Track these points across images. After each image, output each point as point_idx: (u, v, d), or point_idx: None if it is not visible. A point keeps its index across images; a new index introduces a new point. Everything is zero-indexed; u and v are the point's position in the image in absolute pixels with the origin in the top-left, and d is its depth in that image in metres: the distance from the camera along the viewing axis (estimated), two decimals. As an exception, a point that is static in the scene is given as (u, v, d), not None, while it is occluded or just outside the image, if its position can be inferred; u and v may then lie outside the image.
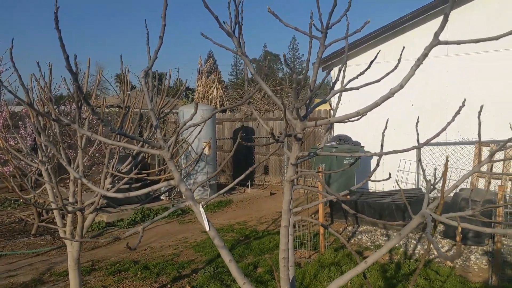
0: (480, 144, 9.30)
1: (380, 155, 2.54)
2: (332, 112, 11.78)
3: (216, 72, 23.65)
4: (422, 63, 1.75)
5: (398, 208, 8.05)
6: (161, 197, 11.90)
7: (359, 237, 8.29)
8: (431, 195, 2.56)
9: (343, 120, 2.18)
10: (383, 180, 2.87)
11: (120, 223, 9.60)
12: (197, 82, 23.00)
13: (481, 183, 9.85)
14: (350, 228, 8.78)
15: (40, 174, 4.70)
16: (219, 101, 20.61)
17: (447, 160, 2.53)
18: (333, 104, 12.68)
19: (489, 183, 9.54)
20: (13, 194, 11.83)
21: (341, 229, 8.71)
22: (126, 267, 6.65)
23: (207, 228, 2.70)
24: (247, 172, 3.09)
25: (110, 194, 2.83)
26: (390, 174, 2.72)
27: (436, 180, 2.85)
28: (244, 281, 2.74)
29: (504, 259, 6.39)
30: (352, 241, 8.07)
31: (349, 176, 10.47)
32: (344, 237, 8.32)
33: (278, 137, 2.09)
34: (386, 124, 2.68)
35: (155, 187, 2.74)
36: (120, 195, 2.74)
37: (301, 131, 2.22)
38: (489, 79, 10.07)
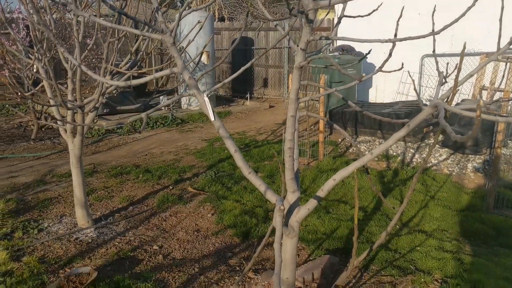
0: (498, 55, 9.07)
1: (393, 41, 2.42)
2: (335, 20, 11.35)
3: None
4: None
5: (399, 118, 8.02)
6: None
7: (358, 146, 8.36)
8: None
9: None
10: (393, 70, 2.77)
11: (119, 130, 9.61)
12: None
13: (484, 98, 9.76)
14: (348, 138, 8.81)
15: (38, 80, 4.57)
16: (217, 9, 19.84)
17: (464, 49, 2.41)
18: (338, 11, 12.16)
19: (492, 97, 9.46)
20: (10, 101, 11.72)
21: (340, 140, 8.76)
22: (128, 170, 6.74)
23: (212, 118, 2.64)
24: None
25: (111, 82, 2.74)
26: (402, 64, 2.61)
27: (449, 73, 2.75)
28: (249, 171, 2.74)
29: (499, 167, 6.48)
30: (350, 150, 8.14)
31: (349, 88, 10.33)
32: (342, 147, 8.39)
33: (291, 11, 1.95)
34: (402, 12, 2.52)
35: (157, 74, 2.64)
36: (122, 83, 2.65)
37: (313, 8, 2.07)
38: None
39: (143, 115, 2.46)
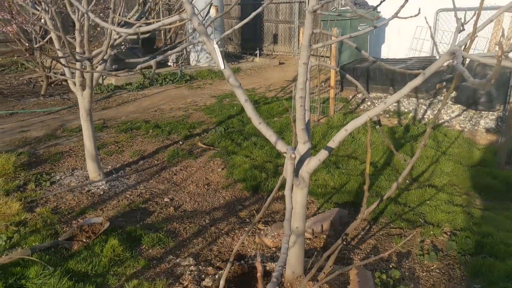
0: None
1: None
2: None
3: None
4: None
5: (411, 74, 7.87)
6: (169, 63, 11.72)
7: (369, 103, 8.25)
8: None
9: None
10: (410, 16, 2.67)
11: (128, 86, 9.57)
12: None
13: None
14: (360, 95, 8.70)
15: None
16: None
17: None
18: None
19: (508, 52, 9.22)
20: (19, 58, 11.66)
21: (350, 97, 8.66)
22: (137, 125, 6.74)
23: (222, 66, 2.59)
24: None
25: (119, 29, 2.67)
26: (419, 9, 2.51)
27: (467, 20, 2.65)
28: (259, 121, 2.71)
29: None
30: (361, 107, 8.05)
31: (362, 43, 10.11)
32: (353, 103, 8.30)
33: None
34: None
35: (166, 21, 2.57)
36: (130, 31, 2.59)
37: None
38: None
39: (152, 62, 2.41)
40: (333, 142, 2.65)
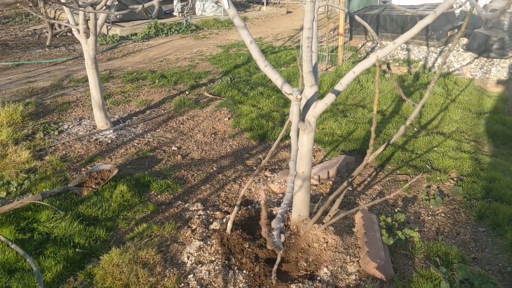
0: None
1: None
2: None
3: None
4: None
5: (422, 16, 7.65)
6: (174, 13, 11.49)
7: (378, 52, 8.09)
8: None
9: None
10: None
11: (134, 37, 9.43)
12: None
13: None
14: (369, 43, 8.52)
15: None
16: None
17: None
18: None
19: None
20: (23, 9, 11.48)
21: (360, 45, 8.48)
22: (144, 75, 6.69)
23: (226, 6, 2.52)
24: None
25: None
26: None
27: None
28: (265, 64, 2.66)
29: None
30: (371, 55, 7.88)
31: (372, -10, 9.80)
32: (362, 52, 8.14)
33: None
34: None
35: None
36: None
37: None
38: None
39: (154, 1, 2.35)
40: (341, 85, 2.61)
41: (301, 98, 2.21)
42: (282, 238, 1.45)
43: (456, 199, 3.53)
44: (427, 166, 4.03)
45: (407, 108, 5.38)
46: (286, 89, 2.59)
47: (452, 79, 6.42)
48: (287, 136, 4.51)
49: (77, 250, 2.83)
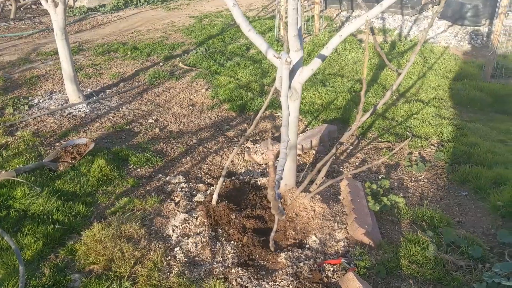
0: None
1: None
2: None
3: None
4: None
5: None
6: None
7: (353, 21, 8.03)
8: None
9: None
10: None
11: (102, 8, 9.07)
12: None
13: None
14: (344, 13, 8.43)
15: None
16: None
17: None
18: None
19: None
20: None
21: (335, 15, 8.39)
22: (115, 48, 6.46)
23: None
24: None
25: None
26: None
27: None
28: (249, 28, 2.55)
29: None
30: (346, 25, 7.82)
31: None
32: (337, 22, 8.06)
33: None
34: None
35: None
36: None
37: None
38: None
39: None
40: (327, 50, 2.53)
41: (290, 61, 2.14)
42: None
43: (438, 164, 3.55)
44: (408, 133, 4.04)
45: (385, 76, 5.37)
46: (270, 55, 2.49)
47: (428, 47, 6.43)
48: (267, 108, 4.43)
49: (56, 226, 2.72)
